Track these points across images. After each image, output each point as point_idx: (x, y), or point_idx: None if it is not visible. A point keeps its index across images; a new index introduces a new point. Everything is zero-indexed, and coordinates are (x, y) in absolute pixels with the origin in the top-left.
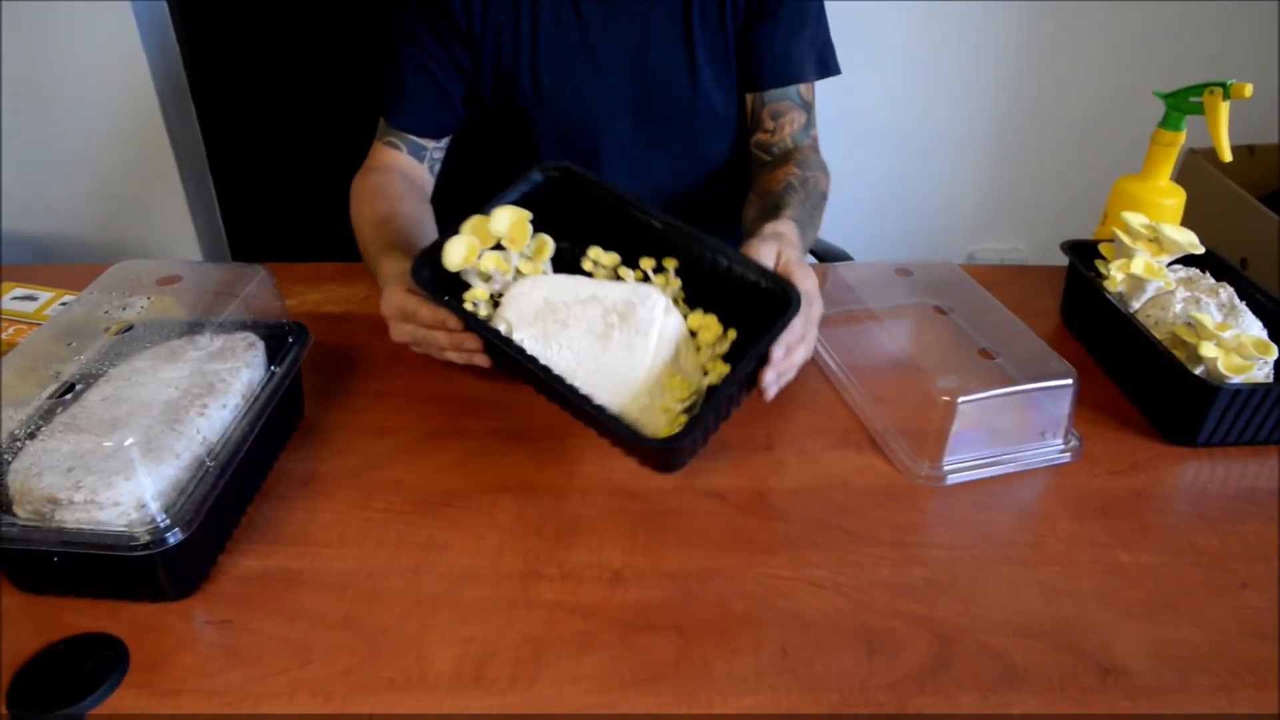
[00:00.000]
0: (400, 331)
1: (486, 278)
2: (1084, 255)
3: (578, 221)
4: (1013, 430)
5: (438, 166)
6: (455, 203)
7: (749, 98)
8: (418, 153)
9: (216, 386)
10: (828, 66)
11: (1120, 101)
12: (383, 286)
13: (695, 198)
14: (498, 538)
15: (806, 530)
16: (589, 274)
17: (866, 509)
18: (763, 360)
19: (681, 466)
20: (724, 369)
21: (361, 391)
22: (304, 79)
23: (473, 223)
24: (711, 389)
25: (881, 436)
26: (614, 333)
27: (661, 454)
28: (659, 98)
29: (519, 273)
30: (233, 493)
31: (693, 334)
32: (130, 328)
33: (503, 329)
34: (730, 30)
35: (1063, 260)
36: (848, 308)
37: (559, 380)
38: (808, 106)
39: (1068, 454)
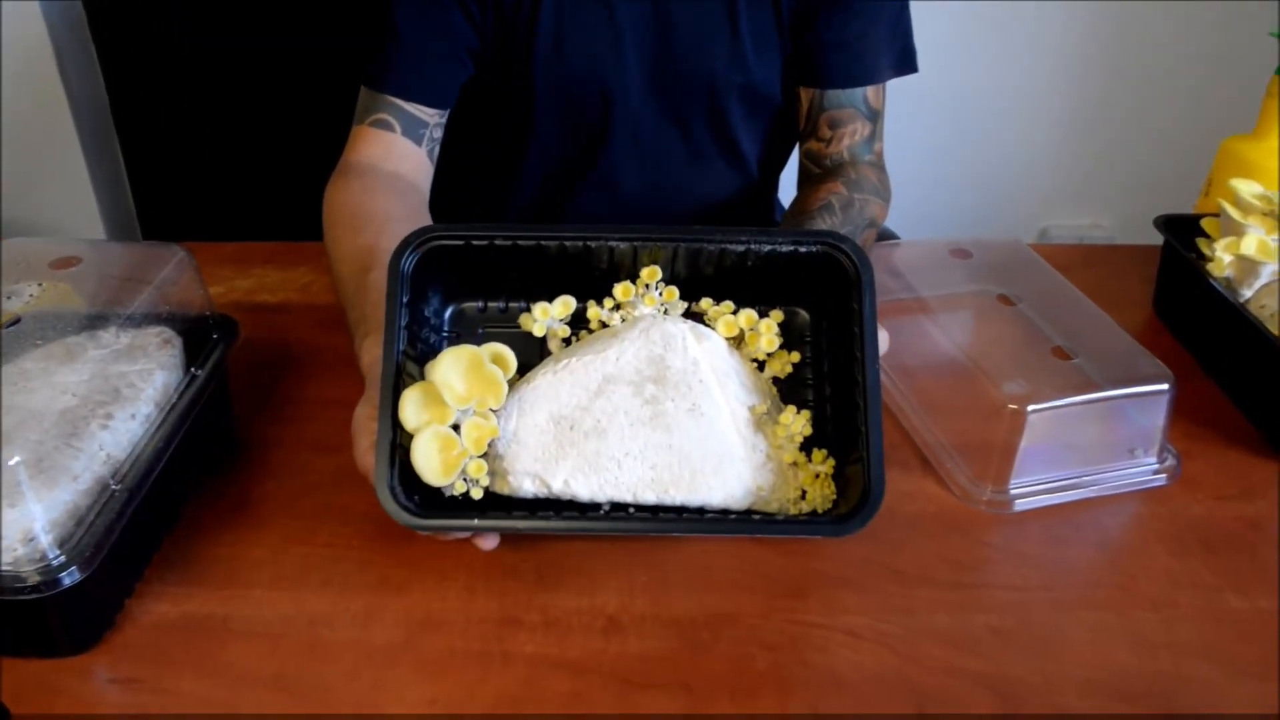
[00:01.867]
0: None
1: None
2: (1182, 232)
3: (491, 285)
4: (1095, 446)
5: (437, 150)
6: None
7: (804, 94)
8: (415, 131)
9: (124, 393)
10: (906, 63)
11: (1227, 46)
12: (364, 372)
13: (721, 206)
14: (467, 577)
15: (842, 567)
16: (549, 350)
17: (916, 542)
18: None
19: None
20: (787, 355)
21: (303, 399)
22: (231, 18)
23: (418, 408)
24: (844, 396)
25: (934, 454)
26: (664, 404)
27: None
28: (684, 65)
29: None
30: (143, 523)
31: (731, 339)
32: (17, 321)
33: (527, 491)
34: (786, 3)
35: (1156, 238)
36: (894, 296)
37: (667, 520)
38: (874, 115)
39: (1163, 475)
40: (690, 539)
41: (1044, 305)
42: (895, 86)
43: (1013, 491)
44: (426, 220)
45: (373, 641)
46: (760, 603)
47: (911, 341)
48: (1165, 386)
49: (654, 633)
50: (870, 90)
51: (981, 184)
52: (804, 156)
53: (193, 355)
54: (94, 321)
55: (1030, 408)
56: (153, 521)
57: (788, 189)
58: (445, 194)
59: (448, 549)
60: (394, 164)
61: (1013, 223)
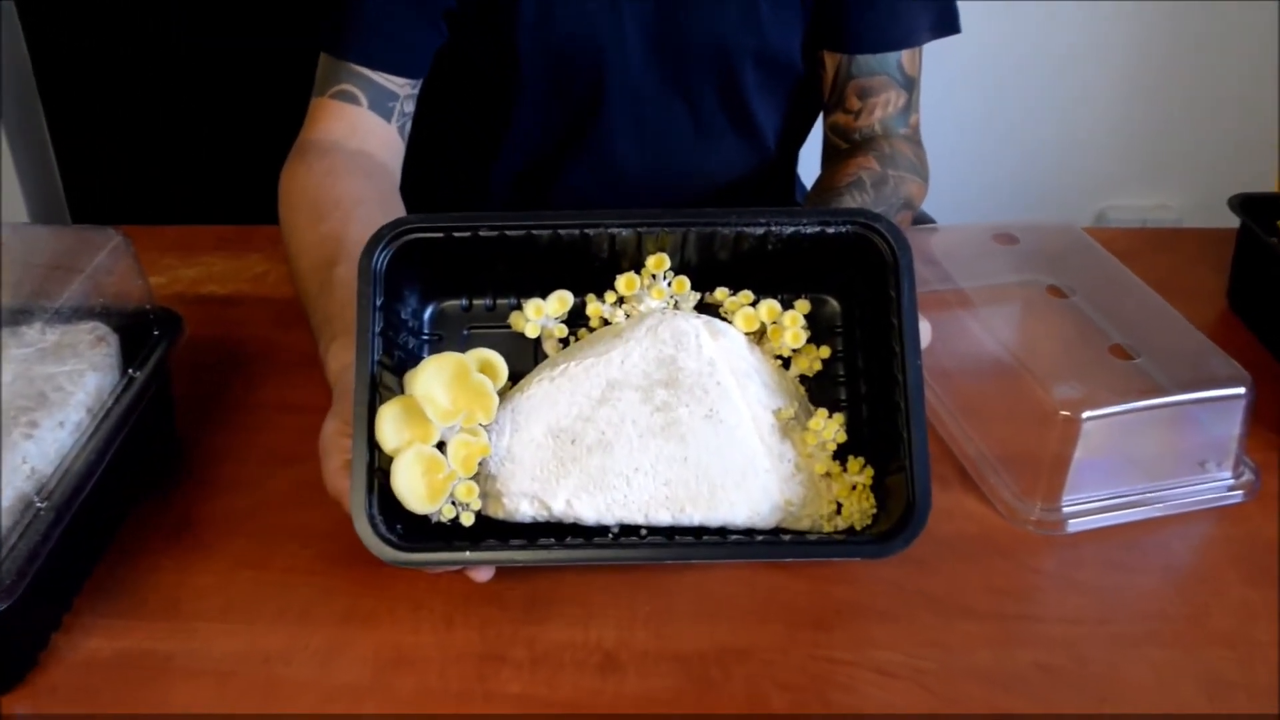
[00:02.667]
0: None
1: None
2: (1261, 214)
3: (476, 281)
4: (1160, 458)
5: (408, 126)
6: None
7: (829, 59)
8: (383, 104)
9: (50, 398)
10: (947, 23)
11: None
12: (330, 380)
13: (733, 187)
14: (445, 607)
15: (872, 596)
16: (544, 354)
17: (955, 566)
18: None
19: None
20: (816, 351)
21: (256, 405)
22: None
23: (397, 426)
24: (882, 395)
25: (976, 466)
26: (677, 411)
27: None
28: (691, 26)
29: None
30: (74, 546)
31: (751, 334)
32: None
33: (525, 514)
34: None
35: (1230, 221)
36: (930, 288)
37: (686, 544)
38: (910, 83)
39: (1239, 491)
40: (700, 565)
41: (1101, 297)
42: (932, 49)
43: (1065, 510)
44: (397, 205)
45: (336, 681)
46: (778, 635)
47: (950, 340)
48: (1241, 390)
49: (657, 670)
50: (905, 55)
51: (1030, 160)
52: (829, 131)
53: (130, 355)
54: (16, 316)
55: (1085, 414)
56: (84, 545)
57: (808, 168)
58: (418, 175)
59: (423, 574)
60: (359, 141)
61: (1065, 204)
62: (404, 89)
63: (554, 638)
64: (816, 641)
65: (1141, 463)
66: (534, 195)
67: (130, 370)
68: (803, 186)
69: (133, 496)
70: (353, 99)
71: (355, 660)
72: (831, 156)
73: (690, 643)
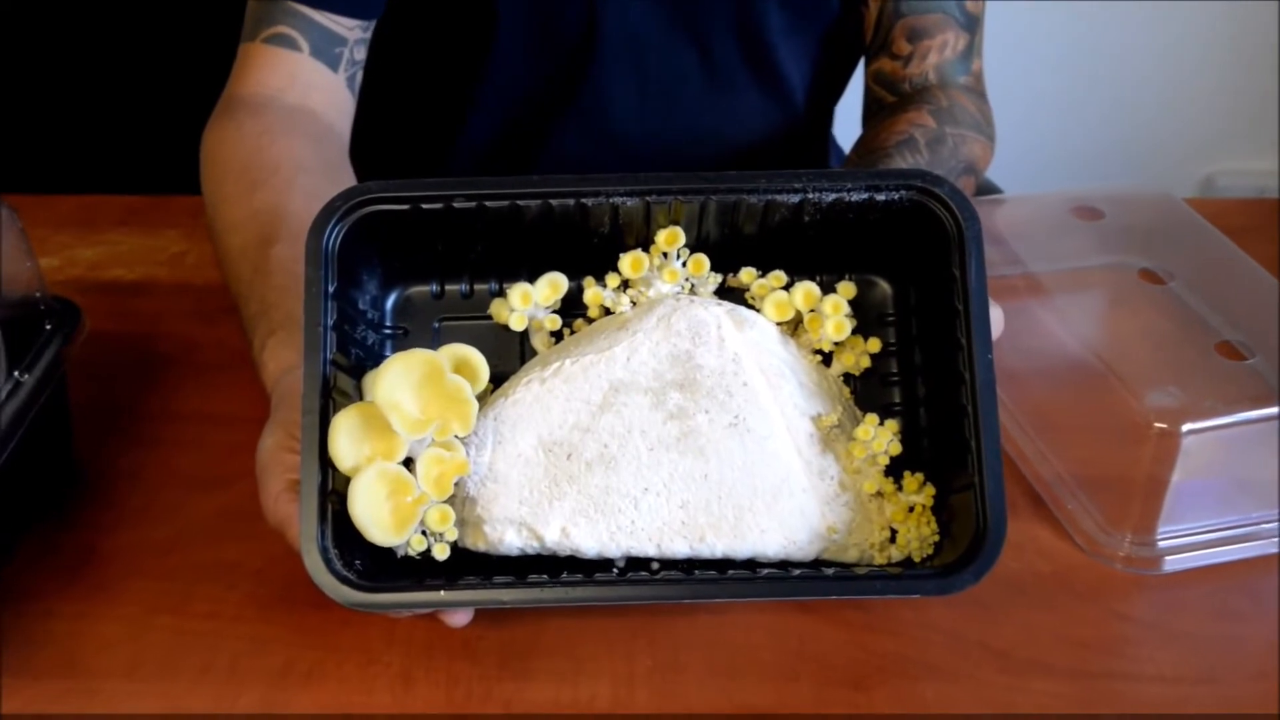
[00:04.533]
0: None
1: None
2: None
3: (449, 262)
4: (1277, 481)
5: (359, 77)
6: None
7: None
8: (329, 50)
9: None
10: None
11: None
12: (267, 385)
13: (755, 150)
14: (403, 660)
15: (923, 647)
16: (534, 350)
17: (1024, 612)
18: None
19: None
20: (863, 344)
21: (173, 415)
22: None
23: (355, 439)
24: (944, 397)
25: (1051, 490)
26: (695, 418)
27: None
28: None
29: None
30: None
31: (784, 324)
32: None
33: (512, 545)
34: None
35: None
36: (996, 272)
37: (708, 581)
38: (972, 22)
39: None
40: (714, 609)
41: (1206, 284)
42: None
43: (1161, 544)
44: (347, 174)
45: None
46: (807, 694)
47: (1019, 336)
48: None
49: None
50: None
51: (1117, 116)
52: (872, 81)
53: (16, 354)
54: None
55: (1186, 427)
56: None
57: (846, 131)
58: (370, 140)
59: (377, 621)
60: (300, 96)
61: (1163, 169)
62: (353, 32)
63: (536, 697)
64: (854, 701)
65: (1254, 486)
66: (513, 165)
67: (15, 373)
68: (840, 151)
69: (21, 526)
70: (291, 44)
71: None
72: (875, 113)
73: (701, 701)
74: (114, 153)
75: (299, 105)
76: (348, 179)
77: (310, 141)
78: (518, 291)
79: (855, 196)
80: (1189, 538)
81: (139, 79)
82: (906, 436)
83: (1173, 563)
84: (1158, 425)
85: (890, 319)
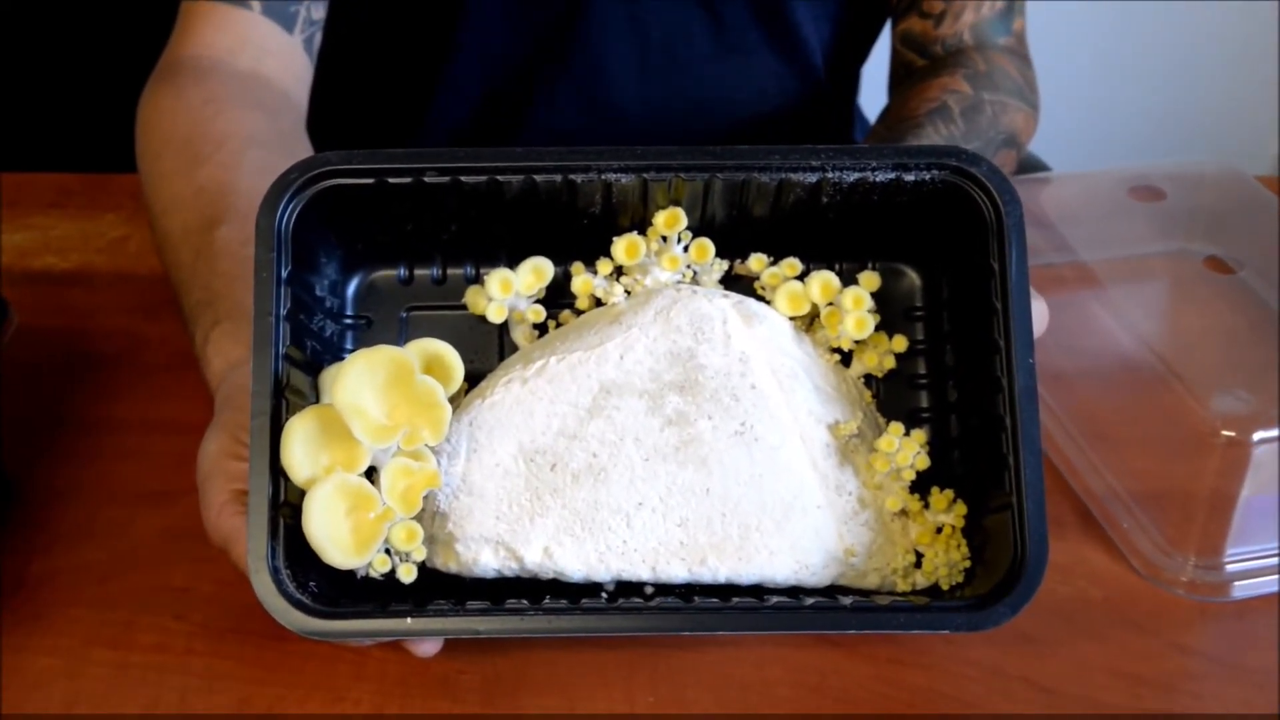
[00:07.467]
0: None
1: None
2: None
3: (419, 245)
4: None
5: (318, 39)
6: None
7: None
8: (283, 9)
9: None
10: None
11: None
12: (211, 384)
13: (768, 120)
14: (373, 696)
15: (958, 683)
16: (514, 345)
17: (1073, 644)
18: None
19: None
20: (888, 342)
21: (112, 423)
22: None
23: (311, 446)
24: (979, 404)
25: (1103, 506)
26: (697, 425)
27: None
28: None
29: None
30: None
31: (798, 319)
32: None
33: (487, 566)
34: None
35: None
36: (1042, 259)
37: (708, 609)
38: None
39: None
40: (725, 641)
41: None
42: None
43: (1229, 567)
44: (303, 148)
45: None
46: None
47: (1068, 332)
48: None
49: None
50: None
51: (1181, 81)
52: (900, 43)
53: None
54: None
55: (1257, 436)
56: None
57: (872, 99)
58: (330, 109)
59: (345, 650)
60: (250, 60)
61: (1231, 144)
62: None
63: None
64: None
65: None
66: (495, 140)
67: None
68: (865, 122)
69: None
70: (240, 0)
71: None
72: (904, 78)
73: None
74: (46, 125)
75: (249, 71)
76: (304, 154)
77: (262, 112)
78: (497, 278)
79: (880, 176)
80: (1260, 560)
81: (72, 40)
82: (935, 448)
83: (1242, 589)
84: (1225, 433)
85: (918, 314)
